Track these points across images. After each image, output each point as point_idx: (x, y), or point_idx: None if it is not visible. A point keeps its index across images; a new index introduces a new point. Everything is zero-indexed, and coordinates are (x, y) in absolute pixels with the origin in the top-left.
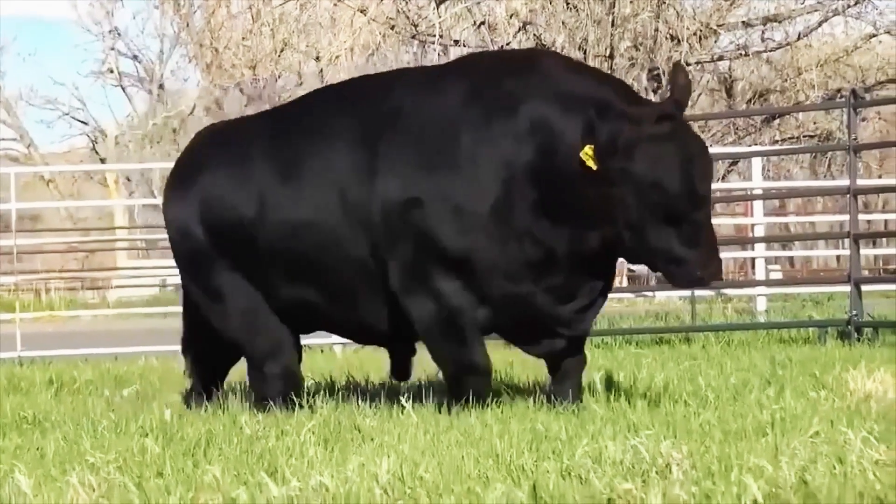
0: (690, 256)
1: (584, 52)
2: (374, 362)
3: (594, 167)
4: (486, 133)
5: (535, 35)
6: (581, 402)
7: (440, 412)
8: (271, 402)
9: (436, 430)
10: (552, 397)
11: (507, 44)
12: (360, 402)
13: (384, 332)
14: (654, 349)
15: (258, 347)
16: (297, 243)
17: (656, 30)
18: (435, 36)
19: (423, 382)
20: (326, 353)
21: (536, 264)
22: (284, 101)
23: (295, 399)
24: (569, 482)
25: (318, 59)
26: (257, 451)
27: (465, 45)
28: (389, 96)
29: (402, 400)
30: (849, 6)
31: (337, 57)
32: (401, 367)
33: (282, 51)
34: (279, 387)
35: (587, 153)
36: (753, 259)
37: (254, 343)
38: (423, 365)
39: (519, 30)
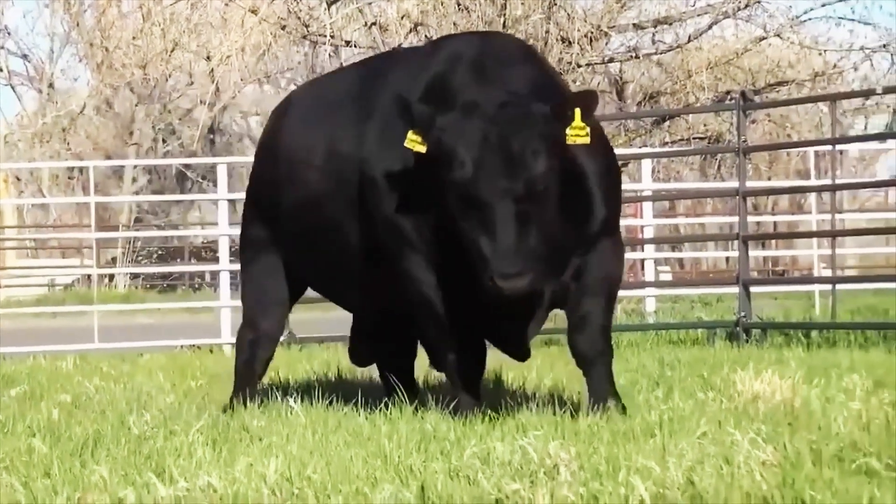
0: (490, 255)
1: None
2: None
3: (423, 149)
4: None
5: (426, 36)
6: None
7: (328, 412)
8: (237, 364)
9: (324, 431)
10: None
11: (399, 45)
12: (248, 401)
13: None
14: (543, 350)
15: (246, 303)
16: (303, 214)
17: (547, 31)
18: (326, 36)
19: (311, 382)
20: (216, 353)
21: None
22: (175, 100)
23: (256, 367)
24: (457, 483)
25: (208, 58)
26: (145, 452)
27: (356, 46)
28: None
29: (291, 400)
30: (739, 9)
31: (228, 57)
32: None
33: (172, 50)
34: (246, 350)
35: (411, 139)
36: (643, 260)
37: (245, 298)
38: (311, 363)
39: (410, 31)
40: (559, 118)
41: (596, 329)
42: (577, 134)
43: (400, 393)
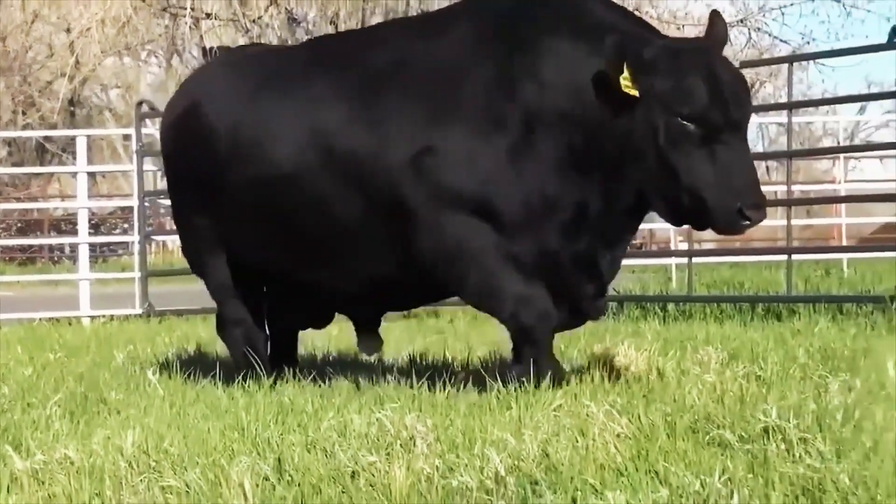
0: (737, 187)
1: (336, 26)
2: (123, 335)
3: (636, 93)
4: (501, 75)
5: (286, 9)
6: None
7: (187, 385)
8: (230, 349)
9: (182, 403)
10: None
11: (259, 17)
12: (107, 374)
13: (356, 295)
14: (401, 323)
15: (210, 287)
16: (265, 194)
17: (408, 5)
18: (186, 9)
19: (170, 355)
20: (75, 326)
21: (564, 222)
22: (35, 72)
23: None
24: (314, 455)
25: (68, 30)
26: (2, 425)
27: (216, 19)
28: (387, 45)
29: (149, 373)
30: None
31: (88, 29)
32: (368, 339)
33: (32, 22)
34: (233, 334)
35: (627, 78)
36: None
37: (207, 282)
38: (170, 336)
39: (270, 3)
40: None
41: None
42: None
43: (259, 367)
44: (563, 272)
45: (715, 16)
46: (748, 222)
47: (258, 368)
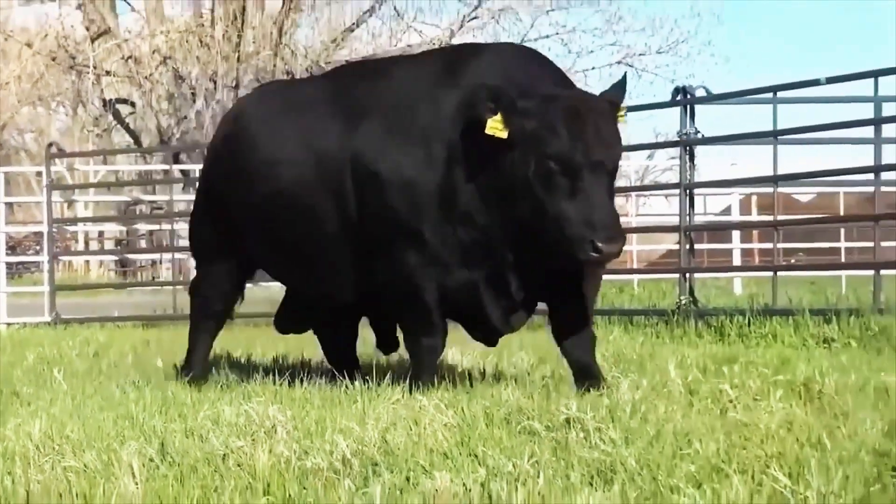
0: (591, 220)
1: (215, 83)
2: (34, 339)
3: (504, 135)
4: (434, 111)
5: (173, 68)
6: None
7: (86, 381)
8: (193, 332)
9: (82, 397)
10: None
11: (150, 74)
12: (19, 372)
13: (347, 299)
14: (267, 330)
15: (206, 279)
16: (271, 206)
17: (275, 65)
18: (90, 67)
19: (73, 357)
20: None
21: (476, 249)
22: None
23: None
24: (192, 440)
25: None
26: None
27: (115, 76)
28: (382, 76)
29: (55, 371)
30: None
31: (7, 83)
32: (385, 338)
33: None
34: (199, 317)
35: (494, 123)
36: None
37: (206, 274)
38: (74, 340)
39: (160, 63)
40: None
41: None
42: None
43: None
44: (473, 295)
45: (622, 78)
46: (599, 255)
47: (201, 358)
